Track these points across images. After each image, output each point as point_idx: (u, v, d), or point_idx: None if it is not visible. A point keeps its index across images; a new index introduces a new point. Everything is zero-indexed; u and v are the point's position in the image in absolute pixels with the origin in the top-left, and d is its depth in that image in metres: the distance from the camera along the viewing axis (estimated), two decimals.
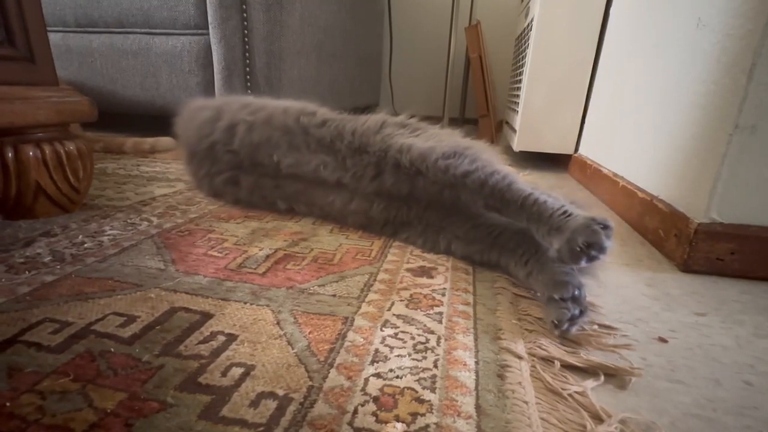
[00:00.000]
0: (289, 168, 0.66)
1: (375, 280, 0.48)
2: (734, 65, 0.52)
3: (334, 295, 0.44)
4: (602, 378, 0.34)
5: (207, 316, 0.39)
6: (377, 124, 0.63)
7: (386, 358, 0.34)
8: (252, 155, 0.68)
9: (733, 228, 0.54)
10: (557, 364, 0.36)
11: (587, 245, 0.37)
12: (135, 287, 0.44)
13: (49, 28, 0.61)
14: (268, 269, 0.49)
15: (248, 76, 1.18)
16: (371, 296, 0.44)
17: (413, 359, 0.34)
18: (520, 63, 1.34)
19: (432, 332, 0.38)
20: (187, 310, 0.40)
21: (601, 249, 0.37)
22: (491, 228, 0.53)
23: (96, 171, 0.87)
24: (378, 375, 0.32)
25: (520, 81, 1.29)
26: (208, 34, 1.17)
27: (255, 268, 0.49)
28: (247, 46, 1.15)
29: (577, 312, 0.39)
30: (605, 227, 0.38)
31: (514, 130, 1.28)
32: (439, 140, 0.57)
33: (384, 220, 0.61)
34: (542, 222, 0.44)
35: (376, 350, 0.35)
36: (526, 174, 1.12)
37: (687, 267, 0.56)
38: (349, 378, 0.32)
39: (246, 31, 1.14)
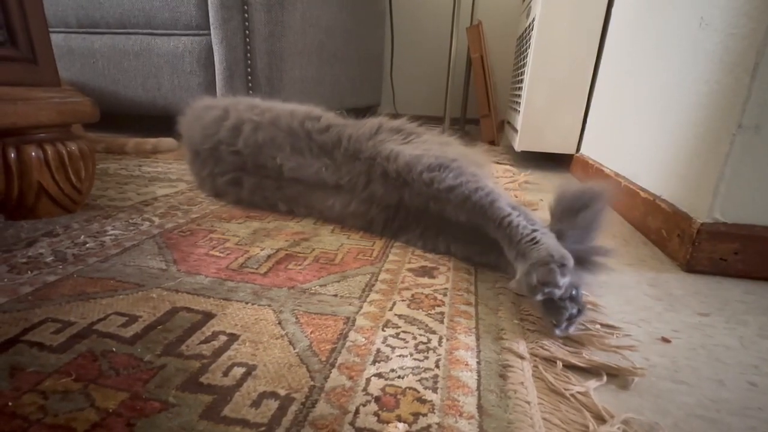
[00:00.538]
0: (290, 171, 0.66)
1: (376, 280, 0.48)
2: (737, 65, 0.52)
3: (335, 295, 0.44)
4: (605, 378, 0.34)
5: (208, 316, 0.39)
6: (372, 129, 0.63)
7: (388, 358, 0.34)
8: (255, 157, 0.68)
9: (737, 228, 0.54)
10: (559, 364, 0.35)
11: (541, 283, 0.38)
12: (137, 287, 0.44)
13: (51, 29, 0.61)
14: (270, 269, 0.49)
15: (249, 77, 1.18)
16: (373, 296, 0.44)
17: (415, 359, 0.34)
18: (522, 63, 1.34)
19: (434, 332, 0.38)
20: (188, 310, 0.40)
21: (556, 286, 0.37)
22: None
23: (98, 171, 0.87)
24: (380, 375, 0.32)
25: (521, 81, 1.29)
26: (209, 34, 1.18)
27: (256, 268, 0.49)
28: (248, 47, 1.16)
29: (575, 311, 0.39)
30: (562, 265, 0.38)
31: (516, 130, 1.27)
32: (427, 149, 0.57)
33: (382, 224, 0.61)
34: (512, 246, 0.44)
35: (378, 350, 0.35)
36: (528, 174, 1.12)
37: (690, 267, 0.56)
38: (350, 378, 0.32)
39: (247, 32, 1.14)
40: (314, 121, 0.67)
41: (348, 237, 0.61)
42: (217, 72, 1.19)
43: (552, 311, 0.39)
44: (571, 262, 0.39)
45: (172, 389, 0.30)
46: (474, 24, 1.85)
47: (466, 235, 0.54)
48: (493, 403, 0.30)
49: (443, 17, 2.18)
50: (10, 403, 0.28)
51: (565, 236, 0.49)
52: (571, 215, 0.49)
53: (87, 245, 0.53)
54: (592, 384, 0.33)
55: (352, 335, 0.37)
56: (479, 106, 1.78)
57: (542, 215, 0.75)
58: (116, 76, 1.30)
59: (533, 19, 1.16)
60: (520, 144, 1.21)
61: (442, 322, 0.40)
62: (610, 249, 0.48)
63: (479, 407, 0.30)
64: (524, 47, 1.32)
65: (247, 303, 0.42)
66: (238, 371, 0.32)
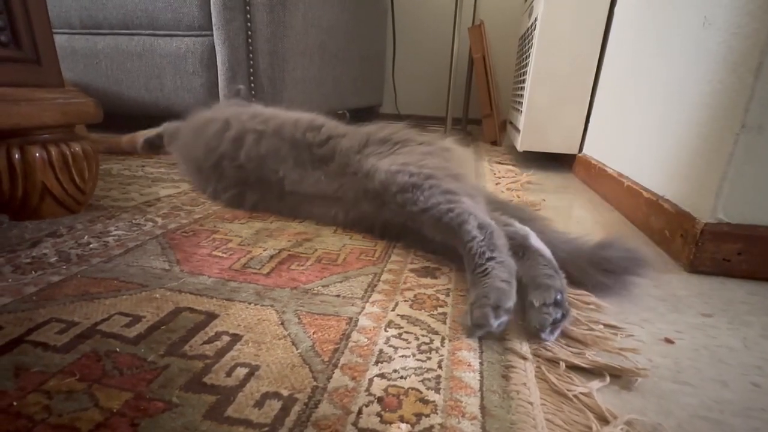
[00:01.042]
0: (292, 185, 0.66)
1: (379, 280, 0.48)
2: (741, 64, 0.52)
3: (338, 296, 0.44)
4: (608, 379, 0.34)
5: (212, 317, 0.39)
6: (361, 142, 0.63)
7: (390, 359, 0.34)
8: (258, 170, 0.68)
9: (741, 228, 0.54)
10: (562, 365, 0.35)
11: (475, 325, 0.38)
12: (140, 287, 0.44)
13: (54, 30, 0.61)
14: (273, 269, 0.49)
15: (252, 77, 1.19)
16: (375, 296, 0.44)
17: (417, 360, 0.34)
18: (524, 63, 1.34)
19: (436, 333, 0.38)
20: (191, 310, 0.40)
21: (489, 328, 0.38)
22: None
23: (101, 172, 0.88)
24: (382, 375, 0.32)
25: (523, 81, 1.29)
26: (211, 35, 1.18)
27: (259, 269, 0.49)
28: (250, 47, 1.16)
29: (559, 315, 0.38)
30: (497, 307, 0.38)
31: (518, 130, 1.27)
32: (406, 162, 0.56)
33: (381, 230, 0.61)
34: (468, 272, 0.45)
35: (381, 351, 0.35)
36: (531, 174, 1.12)
37: (693, 267, 0.56)
38: (353, 378, 0.32)
39: (249, 32, 1.15)
40: (315, 132, 0.67)
41: (350, 237, 0.62)
42: (219, 73, 1.19)
43: (535, 317, 0.39)
44: (508, 302, 0.38)
45: (176, 389, 0.30)
46: (476, 24, 1.85)
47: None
48: (495, 403, 0.30)
49: (445, 17, 2.18)
50: (14, 403, 0.28)
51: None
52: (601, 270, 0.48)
53: (90, 246, 0.54)
54: (595, 385, 0.33)
55: (354, 336, 0.37)
56: (481, 106, 1.78)
57: (545, 215, 0.75)
58: (119, 77, 1.31)
59: (535, 19, 1.16)
60: (522, 144, 1.21)
61: (444, 322, 0.40)
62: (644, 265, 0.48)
63: (482, 408, 0.30)
64: (526, 47, 1.32)
65: (249, 303, 0.42)
66: (241, 371, 0.32)
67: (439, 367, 0.34)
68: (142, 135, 1.15)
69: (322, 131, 0.67)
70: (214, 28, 1.16)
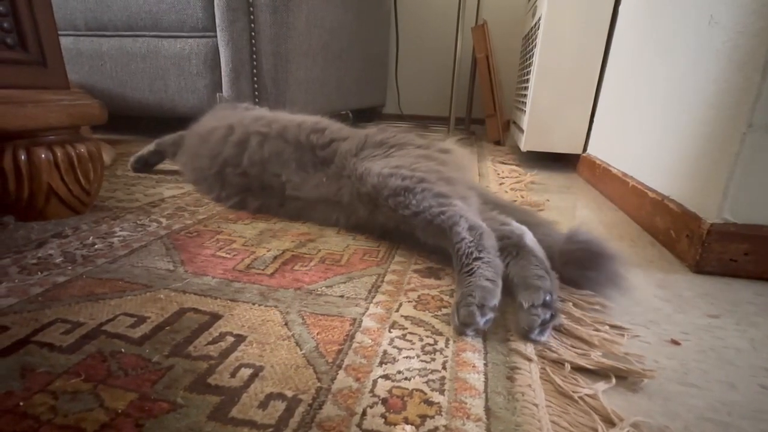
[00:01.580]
0: (293, 189, 0.66)
1: (383, 281, 0.48)
2: (747, 63, 0.51)
3: (341, 296, 0.44)
4: (613, 380, 0.34)
5: (216, 317, 0.39)
6: (358, 145, 0.63)
7: (394, 360, 0.34)
8: (261, 176, 0.68)
9: (747, 228, 0.53)
10: (567, 366, 0.35)
11: (462, 324, 0.38)
12: (145, 288, 0.44)
13: (60, 33, 0.62)
14: (276, 270, 0.50)
15: (255, 78, 1.19)
16: (379, 297, 0.44)
17: (422, 361, 0.34)
18: (528, 62, 1.34)
19: (440, 334, 0.38)
20: (196, 311, 0.40)
21: (476, 326, 0.38)
22: None
23: (106, 173, 0.88)
24: (386, 377, 0.32)
25: (527, 80, 1.28)
26: (215, 36, 1.18)
27: (263, 269, 0.50)
28: (254, 48, 1.16)
29: (547, 316, 0.38)
30: (482, 305, 0.38)
31: (522, 130, 1.27)
32: (399, 165, 0.56)
33: (381, 233, 0.61)
34: (456, 271, 0.45)
35: (385, 352, 0.35)
36: (534, 174, 1.11)
37: (699, 268, 0.55)
38: (357, 379, 0.32)
39: (253, 33, 1.15)
40: (319, 134, 0.67)
41: (354, 238, 0.62)
42: (223, 74, 1.19)
43: (524, 318, 0.39)
44: (493, 301, 0.39)
45: (180, 390, 0.30)
46: (479, 24, 1.84)
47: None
48: (500, 405, 0.30)
49: (448, 17, 2.18)
50: (21, 403, 0.28)
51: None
52: (581, 269, 0.48)
53: (96, 246, 0.54)
54: (601, 386, 0.33)
55: (358, 336, 0.37)
56: (484, 106, 1.77)
57: (548, 215, 0.75)
58: (124, 78, 1.31)
59: (539, 18, 1.15)
60: (526, 144, 1.21)
61: (448, 323, 0.40)
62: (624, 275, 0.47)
63: (487, 409, 0.30)
64: (530, 46, 1.32)
65: (253, 304, 0.42)
66: (246, 372, 0.32)
67: (444, 368, 0.34)
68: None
69: (326, 134, 0.67)
70: (217, 30, 1.16)
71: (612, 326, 0.42)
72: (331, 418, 0.28)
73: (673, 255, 0.61)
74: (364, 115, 2.28)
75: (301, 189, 0.66)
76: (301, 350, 0.35)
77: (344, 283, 0.47)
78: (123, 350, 0.34)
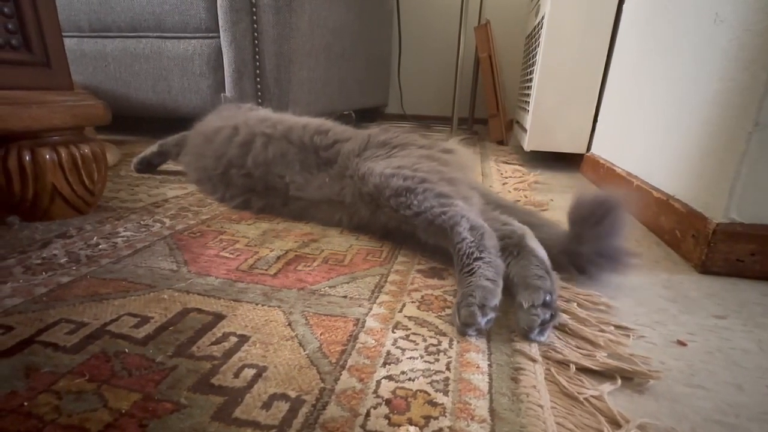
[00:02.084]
0: (297, 190, 0.66)
1: (386, 281, 0.48)
2: (753, 61, 0.51)
3: (345, 297, 0.44)
4: (619, 382, 0.34)
5: (219, 317, 0.39)
6: (361, 145, 0.63)
7: (398, 360, 0.34)
8: (265, 177, 0.68)
9: (754, 228, 0.53)
10: (572, 367, 0.35)
11: (464, 324, 0.38)
12: (148, 288, 0.44)
13: (64, 34, 0.62)
14: (279, 270, 0.49)
15: (258, 78, 1.19)
16: (382, 297, 0.44)
17: (425, 361, 0.34)
18: (531, 62, 1.33)
19: (444, 334, 0.38)
20: (199, 311, 0.40)
21: (477, 326, 0.38)
22: None
23: (109, 173, 0.88)
24: (390, 377, 0.32)
25: (530, 80, 1.28)
26: (218, 37, 1.19)
27: (266, 270, 0.49)
28: (257, 49, 1.16)
29: (547, 316, 0.38)
30: (482, 305, 0.38)
31: (525, 130, 1.26)
32: (401, 165, 0.56)
33: (384, 233, 0.61)
34: (456, 271, 0.45)
35: (388, 352, 0.35)
36: (538, 174, 1.11)
37: (705, 268, 0.55)
38: (361, 380, 0.32)
39: (256, 34, 1.15)
40: (323, 136, 0.67)
41: (357, 238, 0.61)
42: (226, 74, 1.20)
43: (524, 318, 0.39)
44: (493, 301, 0.39)
45: (184, 390, 0.30)
46: (482, 23, 1.84)
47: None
48: (505, 406, 0.30)
49: (451, 17, 2.17)
50: (25, 403, 0.28)
51: (585, 240, 0.49)
52: (590, 224, 0.49)
53: (99, 246, 0.54)
54: (606, 387, 0.33)
55: (362, 337, 0.37)
56: (488, 105, 1.77)
57: (552, 215, 0.74)
58: (127, 79, 1.32)
59: (542, 17, 1.15)
60: (529, 144, 1.20)
61: (452, 324, 0.40)
62: (631, 252, 0.49)
63: (491, 411, 0.29)
64: (533, 46, 1.31)
65: (257, 304, 0.42)
66: (249, 372, 0.32)
67: (448, 369, 0.33)
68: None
69: (329, 135, 0.67)
70: (220, 30, 1.16)
71: (617, 327, 0.42)
72: (334, 419, 0.28)
73: (678, 255, 0.61)
74: (366, 115, 2.28)
75: (304, 190, 0.66)
76: (304, 351, 0.35)
77: (347, 283, 0.47)
78: (127, 350, 0.34)
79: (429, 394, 0.30)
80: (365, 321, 0.40)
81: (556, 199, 0.89)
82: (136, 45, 1.28)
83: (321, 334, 0.37)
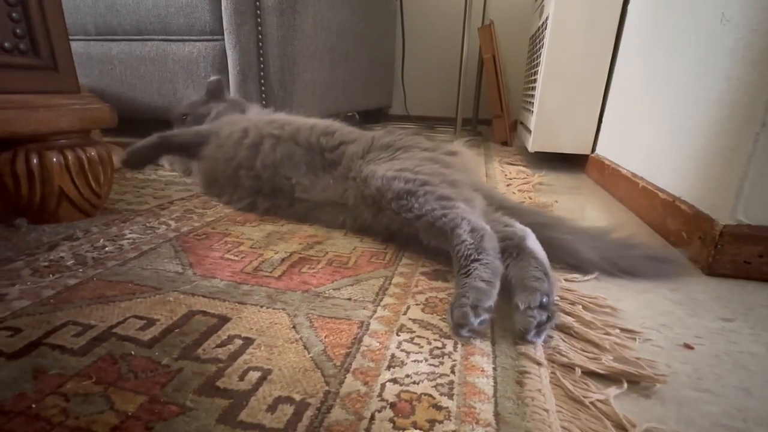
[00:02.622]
0: (302, 192, 0.67)
1: (390, 283, 0.48)
2: (760, 61, 0.50)
3: (349, 299, 0.44)
4: (625, 385, 0.34)
5: (224, 320, 0.39)
6: (365, 147, 0.64)
7: (403, 364, 0.34)
8: (273, 178, 0.68)
9: (762, 230, 0.52)
10: (578, 370, 0.35)
11: (457, 324, 0.38)
12: (154, 290, 0.44)
13: (71, 37, 0.62)
14: (284, 272, 0.50)
15: (262, 81, 1.20)
16: (386, 300, 0.44)
17: (430, 365, 0.34)
18: (535, 62, 1.33)
19: (448, 337, 0.38)
20: (204, 313, 0.40)
21: (470, 327, 0.38)
22: None
23: (116, 176, 0.89)
24: (394, 380, 0.32)
25: (534, 81, 1.27)
26: (223, 39, 1.19)
27: (271, 272, 0.50)
28: (261, 51, 1.17)
29: (543, 318, 0.38)
30: (475, 306, 0.38)
31: (529, 131, 1.26)
32: (403, 168, 0.56)
33: (387, 236, 0.61)
34: (454, 273, 0.45)
35: (393, 355, 0.35)
36: (542, 175, 1.10)
37: (712, 270, 0.54)
38: (365, 383, 0.32)
39: (260, 36, 1.15)
40: (329, 137, 0.68)
41: (361, 240, 0.61)
42: (230, 76, 1.20)
43: (520, 320, 0.39)
44: (487, 302, 0.39)
45: (189, 393, 0.30)
46: (486, 24, 1.84)
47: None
48: (510, 410, 0.30)
49: (454, 18, 2.17)
50: (33, 405, 0.28)
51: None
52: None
53: (106, 249, 0.54)
54: (612, 391, 0.33)
55: (366, 340, 0.37)
56: (491, 106, 1.77)
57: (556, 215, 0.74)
58: (133, 82, 1.33)
59: (546, 18, 1.14)
60: (533, 144, 1.20)
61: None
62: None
63: (496, 414, 0.29)
64: (537, 46, 1.31)
65: (261, 306, 0.42)
66: (254, 375, 0.32)
67: (452, 372, 0.33)
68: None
69: (335, 136, 0.68)
70: (225, 33, 1.17)
71: (623, 330, 0.41)
72: (339, 423, 0.28)
73: (685, 257, 0.60)
74: (370, 117, 2.29)
75: (309, 191, 0.66)
76: (309, 353, 0.35)
77: (351, 285, 0.47)
78: (133, 353, 0.34)
79: (434, 398, 0.30)
80: (369, 324, 0.40)
81: (561, 201, 0.89)
82: (141, 48, 1.29)
83: (325, 337, 0.37)
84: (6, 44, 0.55)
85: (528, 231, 0.49)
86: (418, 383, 0.32)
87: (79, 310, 0.40)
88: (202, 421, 0.28)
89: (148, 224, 0.64)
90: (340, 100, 1.59)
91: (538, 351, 0.37)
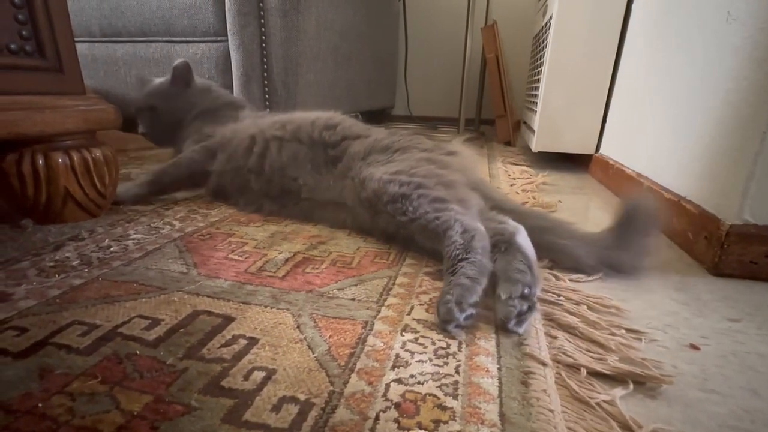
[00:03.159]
0: (308, 192, 0.67)
1: (394, 283, 0.48)
2: (767, 60, 0.50)
3: (353, 299, 0.44)
4: (631, 386, 0.33)
5: (228, 320, 0.39)
6: (367, 148, 0.64)
7: (407, 364, 0.34)
8: (282, 180, 0.68)
9: None
10: (583, 371, 0.35)
11: (443, 320, 0.39)
12: (159, 290, 0.44)
13: (76, 39, 0.63)
14: (288, 272, 0.50)
15: (266, 81, 1.20)
16: (390, 300, 0.44)
17: (434, 365, 0.34)
18: (539, 62, 1.32)
19: (453, 337, 0.38)
20: (209, 313, 0.40)
21: (456, 322, 0.39)
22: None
23: (120, 176, 0.89)
24: (399, 381, 0.32)
25: (538, 80, 1.27)
26: (227, 41, 1.20)
27: (275, 272, 0.50)
28: (264, 52, 1.17)
29: (524, 308, 0.39)
30: (459, 302, 0.39)
31: (533, 131, 1.26)
32: (399, 170, 0.57)
33: (388, 238, 0.60)
34: (443, 272, 0.46)
35: (397, 355, 0.35)
36: (546, 175, 1.10)
37: (718, 270, 0.54)
38: (370, 383, 0.32)
39: (264, 37, 1.16)
40: (331, 131, 0.67)
41: (364, 240, 0.61)
42: (234, 77, 1.20)
43: (501, 309, 0.40)
44: (471, 298, 0.40)
45: (195, 393, 0.30)
46: (489, 24, 1.83)
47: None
48: (515, 410, 0.30)
49: (457, 17, 2.17)
50: (40, 405, 0.29)
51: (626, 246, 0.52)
52: (628, 236, 0.52)
53: (111, 249, 0.55)
54: (618, 392, 0.32)
55: (370, 340, 0.37)
56: (494, 106, 1.76)
57: (560, 216, 0.74)
58: None
59: (550, 17, 1.14)
60: (537, 144, 1.19)
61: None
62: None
63: (501, 415, 0.29)
64: (541, 46, 1.31)
65: (266, 306, 0.42)
66: (259, 375, 0.32)
67: (457, 372, 0.33)
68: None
69: (337, 130, 0.68)
70: (229, 34, 1.17)
71: (628, 330, 0.41)
72: (344, 423, 0.28)
73: (690, 257, 0.60)
74: (373, 117, 2.29)
75: (314, 191, 0.66)
76: (313, 353, 0.35)
77: (355, 285, 0.47)
78: (138, 352, 0.34)
79: (438, 398, 0.30)
80: (373, 324, 0.40)
81: (564, 201, 0.88)
82: (146, 49, 1.29)
83: (329, 337, 0.37)
84: (12, 46, 0.55)
85: (520, 227, 0.50)
86: (422, 383, 0.32)
87: (84, 310, 0.40)
88: (207, 421, 0.28)
89: (152, 224, 0.65)
90: (343, 100, 1.59)
91: (543, 351, 0.37)
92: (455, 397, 0.31)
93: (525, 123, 1.57)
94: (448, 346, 0.37)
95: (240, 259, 0.53)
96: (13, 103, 0.54)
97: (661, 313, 0.45)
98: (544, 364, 0.35)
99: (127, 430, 0.27)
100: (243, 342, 0.36)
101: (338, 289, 0.46)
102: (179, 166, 0.78)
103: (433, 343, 0.37)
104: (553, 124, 1.16)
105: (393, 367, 0.33)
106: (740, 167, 0.53)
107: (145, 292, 0.44)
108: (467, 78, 1.88)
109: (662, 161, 0.75)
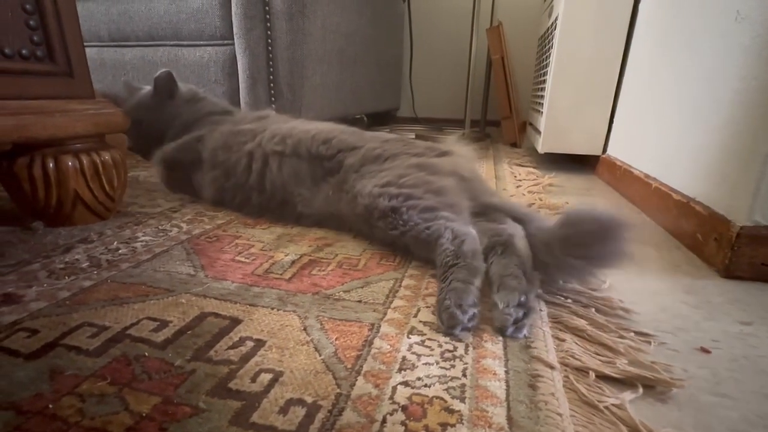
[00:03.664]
0: (309, 207, 0.66)
1: (400, 285, 0.48)
2: None
3: (359, 301, 0.44)
4: (641, 390, 0.33)
5: (236, 322, 0.40)
6: (360, 161, 0.64)
7: (414, 366, 0.34)
8: (283, 195, 0.68)
9: None
10: (592, 374, 0.34)
11: (447, 327, 0.39)
12: (167, 292, 0.45)
13: (85, 43, 0.64)
14: (294, 275, 0.50)
15: (272, 84, 1.21)
16: (397, 302, 0.44)
17: (441, 367, 0.34)
18: (544, 63, 1.32)
19: (460, 340, 0.38)
20: (216, 315, 0.41)
21: (461, 325, 0.39)
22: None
23: (129, 179, 0.90)
24: (406, 383, 0.32)
25: (544, 81, 1.27)
26: (233, 44, 1.20)
27: (281, 274, 0.50)
28: (270, 55, 1.18)
29: (521, 315, 0.39)
30: (459, 305, 0.39)
31: (539, 132, 1.25)
32: (389, 182, 0.56)
33: (389, 246, 0.60)
34: (437, 279, 0.47)
35: (404, 358, 0.35)
36: (552, 176, 1.09)
37: (729, 273, 0.53)
38: (376, 386, 0.31)
39: (269, 41, 1.17)
40: (327, 146, 0.67)
41: (370, 242, 0.61)
42: (240, 80, 1.21)
43: (498, 317, 0.40)
44: (468, 299, 0.40)
45: (202, 394, 0.30)
46: (494, 25, 1.83)
47: None
48: (523, 414, 0.30)
49: (463, 19, 2.17)
50: (50, 405, 0.29)
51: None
52: (583, 247, 0.44)
53: (120, 251, 0.55)
54: (628, 396, 0.32)
55: (377, 342, 0.37)
56: (500, 107, 1.76)
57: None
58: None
59: (556, 18, 1.14)
60: (543, 145, 1.19)
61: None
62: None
63: (509, 418, 0.29)
64: (547, 47, 1.30)
65: (272, 309, 0.42)
66: (266, 377, 0.32)
67: (464, 375, 0.33)
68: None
69: (333, 143, 0.67)
70: (235, 38, 1.18)
71: (637, 333, 0.41)
72: (351, 425, 0.28)
73: (700, 259, 0.59)
74: (378, 119, 2.29)
75: (315, 206, 0.66)
76: (320, 356, 0.35)
77: (362, 287, 0.47)
78: (147, 354, 0.35)
79: (445, 401, 0.30)
80: (380, 326, 0.40)
81: (571, 202, 0.88)
82: (153, 53, 1.30)
83: (336, 339, 0.37)
84: (24, 51, 0.56)
85: (518, 229, 0.50)
86: (429, 386, 0.32)
87: (94, 312, 0.41)
88: (214, 423, 0.28)
89: (160, 227, 0.65)
90: (348, 102, 1.60)
91: (551, 354, 0.36)
92: (462, 400, 0.30)
93: (531, 124, 1.57)
94: (455, 348, 0.37)
95: (247, 261, 0.53)
96: (24, 107, 0.55)
97: (670, 316, 0.45)
98: (552, 367, 0.35)
99: (136, 431, 0.27)
100: (250, 344, 0.36)
101: (344, 291, 0.46)
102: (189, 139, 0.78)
103: (440, 346, 0.37)
104: (559, 125, 1.15)
105: (400, 370, 0.33)
106: (750, 168, 0.52)
107: (154, 294, 0.44)
108: (473, 79, 1.88)
109: (671, 162, 0.74)
